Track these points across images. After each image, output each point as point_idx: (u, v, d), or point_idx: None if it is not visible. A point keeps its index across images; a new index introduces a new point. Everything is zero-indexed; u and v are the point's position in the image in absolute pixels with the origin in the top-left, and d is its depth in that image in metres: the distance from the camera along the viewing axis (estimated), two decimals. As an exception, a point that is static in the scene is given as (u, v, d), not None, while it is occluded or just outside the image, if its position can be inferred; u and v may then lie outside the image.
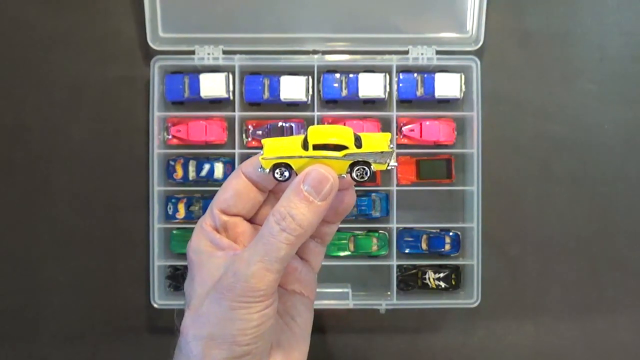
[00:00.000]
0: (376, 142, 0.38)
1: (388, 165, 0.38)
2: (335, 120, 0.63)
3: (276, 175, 0.38)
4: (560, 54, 0.65)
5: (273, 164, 0.37)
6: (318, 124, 0.62)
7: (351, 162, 0.37)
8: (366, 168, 0.38)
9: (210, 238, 0.40)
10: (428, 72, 0.63)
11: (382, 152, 0.37)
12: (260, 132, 0.63)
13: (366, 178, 0.38)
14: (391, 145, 0.38)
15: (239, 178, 0.40)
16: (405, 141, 0.63)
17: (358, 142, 0.37)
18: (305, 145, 0.37)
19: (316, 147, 0.37)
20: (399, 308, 0.61)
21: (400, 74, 0.63)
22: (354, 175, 0.38)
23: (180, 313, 0.39)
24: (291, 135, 0.62)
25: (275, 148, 0.38)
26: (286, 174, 0.38)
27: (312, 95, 0.62)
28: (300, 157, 0.37)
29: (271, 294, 0.37)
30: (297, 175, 0.37)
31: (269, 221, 0.36)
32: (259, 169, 0.38)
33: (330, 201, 0.37)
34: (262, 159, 0.37)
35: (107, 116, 0.64)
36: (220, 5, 0.62)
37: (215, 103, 0.63)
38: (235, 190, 0.40)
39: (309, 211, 0.36)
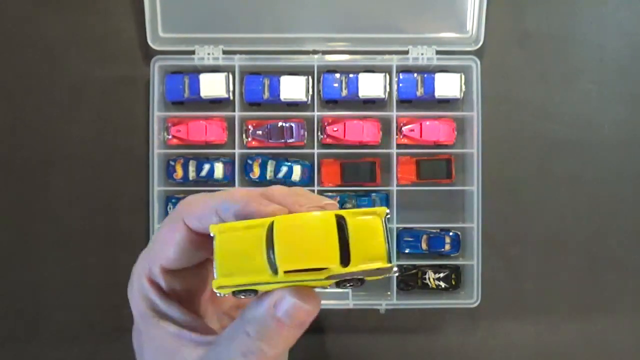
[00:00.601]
0: (369, 241, 0.28)
1: (387, 275, 0.28)
2: (335, 120, 0.63)
3: (240, 297, 0.29)
4: (560, 54, 0.65)
5: (232, 290, 0.28)
6: (318, 124, 0.62)
7: (337, 280, 0.28)
8: (360, 282, 0.28)
9: (155, 303, 0.32)
10: (428, 72, 0.63)
11: (377, 269, 0.28)
12: (260, 132, 0.63)
13: (359, 286, 0.29)
14: (390, 256, 0.28)
15: (182, 232, 0.31)
16: (405, 141, 0.63)
17: (345, 253, 0.27)
18: (273, 263, 0.27)
19: (289, 272, 0.27)
20: (399, 308, 0.61)
21: (400, 74, 0.63)
22: (342, 288, 0.29)
23: None
24: (291, 135, 0.62)
25: (232, 265, 0.28)
26: (252, 294, 0.29)
27: (312, 95, 0.62)
28: (268, 283, 0.27)
29: None
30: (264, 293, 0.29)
31: (233, 349, 0.29)
32: (216, 292, 0.28)
33: (307, 325, 0.29)
34: (217, 287, 0.28)
35: (107, 116, 0.64)
36: (220, 5, 0.62)
37: (215, 103, 0.63)
38: (180, 248, 0.31)
39: (282, 341, 0.29)
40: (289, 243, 0.27)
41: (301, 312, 0.29)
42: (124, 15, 0.63)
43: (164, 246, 0.32)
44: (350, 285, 0.29)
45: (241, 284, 0.28)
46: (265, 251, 0.27)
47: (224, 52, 0.62)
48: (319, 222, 0.27)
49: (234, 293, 0.28)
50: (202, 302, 0.35)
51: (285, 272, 0.27)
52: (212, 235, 0.28)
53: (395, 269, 0.28)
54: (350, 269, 0.27)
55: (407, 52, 0.62)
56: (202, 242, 0.31)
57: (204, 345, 0.31)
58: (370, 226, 0.28)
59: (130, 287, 0.33)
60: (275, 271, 0.27)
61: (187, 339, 0.31)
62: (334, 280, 0.28)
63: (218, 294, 0.28)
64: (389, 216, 0.29)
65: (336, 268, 0.27)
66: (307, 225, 0.27)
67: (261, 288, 0.28)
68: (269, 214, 0.28)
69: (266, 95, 0.63)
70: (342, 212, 0.28)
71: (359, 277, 0.28)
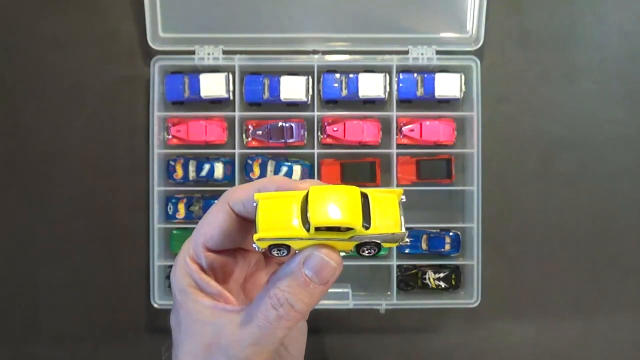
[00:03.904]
0: (387, 212, 0.33)
1: (399, 243, 0.34)
2: (335, 120, 0.63)
3: (273, 253, 0.33)
4: (560, 54, 0.65)
5: (269, 244, 0.33)
6: (318, 124, 0.62)
7: (358, 242, 0.33)
8: (376, 248, 0.34)
9: (195, 278, 0.36)
10: (428, 72, 0.63)
11: (393, 234, 0.33)
12: (260, 132, 0.63)
13: (375, 253, 0.34)
14: (403, 226, 0.33)
15: (226, 213, 0.36)
16: (405, 141, 0.63)
17: (366, 219, 0.32)
18: (305, 222, 0.32)
19: (319, 229, 0.32)
20: (399, 308, 0.61)
21: (400, 74, 0.63)
22: (361, 253, 0.34)
23: (169, 357, 0.38)
24: (291, 135, 0.62)
25: (271, 223, 0.32)
26: (284, 251, 0.33)
27: (312, 95, 0.62)
28: (301, 239, 0.32)
29: None
30: (296, 252, 0.34)
31: (265, 303, 0.33)
32: (253, 245, 0.33)
33: (331, 284, 0.34)
34: (258, 239, 0.32)
35: (107, 116, 0.64)
36: (220, 5, 0.62)
37: (215, 103, 0.63)
38: (222, 228, 0.36)
39: (308, 296, 0.33)
40: (321, 205, 0.32)
41: (326, 268, 0.33)
42: (124, 15, 0.63)
43: (209, 226, 0.36)
44: (368, 252, 0.34)
45: (277, 237, 0.32)
46: (300, 213, 0.32)
47: (224, 52, 0.62)
48: (346, 191, 0.32)
49: (270, 248, 0.33)
50: (234, 286, 0.38)
51: (316, 228, 0.32)
52: (255, 204, 0.33)
53: (407, 238, 0.33)
54: (371, 231, 0.32)
55: (407, 52, 0.62)
56: (243, 226, 0.36)
57: (239, 312, 0.35)
58: (388, 201, 0.33)
59: (173, 270, 0.37)
60: (307, 228, 0.32)
61: (222, 309, 0.35)
62: (356, 242, 0.33)
63: (256, 248, 0.33)
64: (403, 199, 0.34)
65: (359, 229, 0.32)
66: (337, 194, 0.32)
67: (294, 244, 0.33)
68: (304, 189, 0.33)
69: (266, 95, 0.63)
70: (364, 190, 0.33)
71: (377, 240, 0.33)
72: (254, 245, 0.33)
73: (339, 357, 0.64)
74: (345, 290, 0.61)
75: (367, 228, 0.32)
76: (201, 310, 0.35)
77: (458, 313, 0.64)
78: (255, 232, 0.32)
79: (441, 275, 0.63)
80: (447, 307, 0.63)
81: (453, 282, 0.63)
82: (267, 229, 0.32)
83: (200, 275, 0.36)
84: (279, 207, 0.33)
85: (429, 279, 0.63)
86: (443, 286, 0.63)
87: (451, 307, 0.63)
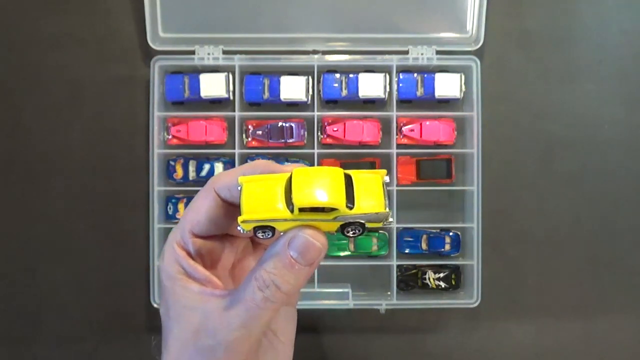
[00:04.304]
0: (370, 192, 0.33)
1: (384, 224, 0.33)
2: (335, 120, 0.63)
3: (258, 235, 0.33)
4: (560, 54, 0.65)
5: (254, 226, 0.33)
6: (318, 124, 0.62)
7: (342, 223, 0.33)
8: (360, 229, 0.33)
9: (183, 265, 0.36)
10: (428, 72, 0.63)
11: (377, 214, 0.32)
12: (260, 132, 0.63)
13: (359, 234, 0.34)
14: (387, 206, 0.33)
15: (212, 199, 0.36)
16: (405, 141, 0.63)
17: (350, 199, 0.32)
18: (289, 203, 0.32)
19: (303, 210, 0.32)
20: (399, 308, 0.61)
21: (400, 74, 0.63)
22: (346, 234, 0.34)
23: (158, 345, 0.38)
24: (291, 135, 0.62)
25: (255, 205, 0.32)
26: (269, 233, 0.33)
27: (312, 95, 0.62)
28: (285, 220, 0.32)
29: (254, 351, 0.35)
30: (281, 233, 0.34)
31: (251, 285, 0.33)
32: (238, 228, 0.33)
33: (316, 266, 0.34)
34: (242, 222, 0.32)
35: (107, 116, 0.64)
36: (220, 5, 0.62)
37: (215, 103, 0.63)
38: (209, 214, 0.36)
39: (294, 277, 0.33)
40: (305, 186, 0.32)
41: (312, 248, 0.33)
42: (124, 15, 0.63)
43: (196, 213, 0.36)
44: (353, 233, 0.33)
45: (261, 218, 0.32)
46: (284, 195, 0.32)
47: (224, 52, 0.62)
48: (329, 172, 0.32)
49: (255, 231, 0.33)
50: (222, 272, 0.39)
51: (300, 209, 0.32)
52: (239, 187, 0.33)
53: (391, 218, 0.33)
54: (354, 211, 0.32)
55: (407, 52, 0.62)
56: (230, 211, 0.36)
57: (226, 296, 0.35)
58: (372, 181, 0.33)
59: (162, 257, 0.37)
60: (291, 210, 0.32)
61: (210, 294, 0.35)
62: (340, 222, 0.33)
63: (241, 230, 0.33)
64: (387, 180, 0.34)
65: (342, 210, 0.32)
66: (320, 175, 0.32)
67: (278, 226, 0.33)
68: (288, 172, 0.33)
69: (266, 95, 0.63)
70: (349, 171, 0.33)
71: (361, 220, 0.32)
72: (238, 227, 0.33)
73: (339, 357, 0.64)
74: (345, 290, 0.61)
75: (350, 208, 0.32)
76: (189, 296, 0.36)
77: (458, 313, 0.64)
78: (240, 215, 0.32)
79: (441, 275, 0.63)
80: (447, 307, 0.63)
81: (453, 282, 0.63)
82: (251, 211, 0.32)
83: (188, 262, 0.36)
84: (263, 189, 0.33)
85: (429, 279, 0.63)
86: (443, 286, 0.63)
87: (451, 307, 0.63)
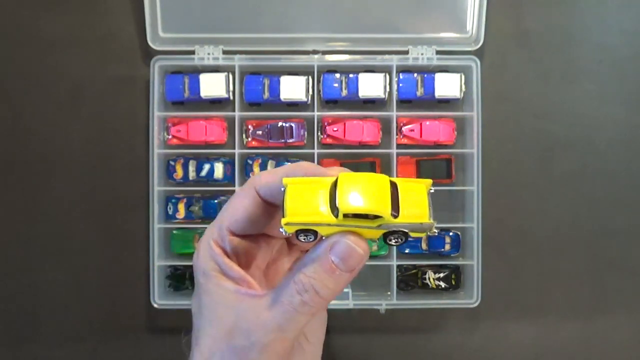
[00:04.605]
0: (415, 202, 0.33)
1: (427, 234, 0.33)
2: (335, 120, 0.63)
3: (301, 238, 0.33)
4: (560, 54, 0.65)
5: (297, 229, 0.33)
6: (318, 124, 0.62)
7: (385, 231, 0.33)
8: (403, 237, 0.33)
9: (218, 262, 0.36)
10: (428, 72, 0.63)
11: (421, 224, 0.32)
12: (260, 132, 0.63)
13: (402, 242, 0.34)
14: (432, 216, 0.33)
15: (252, 198, 0.35)
16: (405, 141, 0.63)
17: (395, 208, 0.32)
18: (334, 208, 0.32)
19: (347, 215, 0.32)
20: (399, 308, 0.62)
21: (400, 74, 0.63)
22: (388, 242, 0.33)
23: (188, 341, 0.38)
24: (291, 135, 0.62)
25: (299, 207, 0.32)
26: (312, 237, 0.33)
27: (312, 95, 0.62)
28: (329, 224, 0.32)
29: (287, 354, 0.35)
30: (323, 238, 0.33)
31: (289, 288, 0.33)
32: (280, 229, 0.33)
33: (357, 272, 0.33)
34: (286, 224, 0.32)
35: (107, 116, 0.64)
36: (220, 5, 0.62)
37: (215, 103, 0.63)
38: (248, 212, 0.35)
39: (334, 283, 0.33)
40: (350, 192, 0.31)
41: (353, 255, 0.32)
42: (124, 15, 0.63)
43: (235, 210, 0.36)
44: (395, 241, 0.33)
45: (305, 222, 0.32)
46: (329, 199, 0.32)
47: (224, 52, 0.62)
48: (375, 179, 0.32)
49: (297, 233, 0.33)
50: (256, 271, 0.38)
51: (344, 215, 0.31)
52: (283, 188, 0.33)
53: (435, 229, 0.33)
54: (399, 220, 0.32)
55: (407, 52, 0.62)
56: (268, 211, 0.35)
57: (262, 297, 0.35)
58: (417, 190, 0.33)
59: (197, 254, 0.37)
60: (336, 214, 0.31)
61: (245, 294, 0.35)
62: (384, 231, 0.32)
63: (283, 232, 0.32)
64: (432, 190, 0.34)
65: (387, 217, 0.31)
66: (366, 181, 0.32)
67: (321, 230, 0.33)
68: (333, 176, 0.33)
69: (266, 95, 0.63)
70: (394, 179, 0.33)
71: (405, 229, 0.32)
72: (281, 229, 0.32)
73: (339, 357, 0.64)
74: (345, 290, 0.61)
75: (395, 217, 0.32)
76: (224, 294, 0.35)
77: (458, 313, 0.64)
78: (283, 217, 0.32)
79: (441, 275, 0.63)
80: (447, 307, 0.63)
81: (453, 282, 0.63)
82: (295, 214, 0.32)
83: (224, 259, 0.36)
84: (307, 192, 0.32)
85: (429, 279, 0.63)
86: (443, 286, 0.63)
87: (451, 307, 0.63)
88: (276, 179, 0.34)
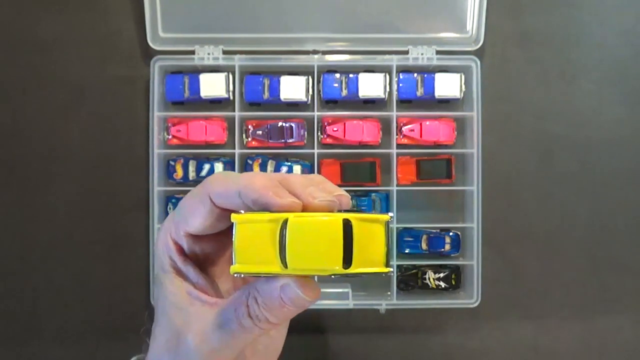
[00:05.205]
0: (371, 247, 0.31)
1: (383, 275, 0.32)
2: (335, 120, 0.63)
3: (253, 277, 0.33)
4: (560, 54, 0.65)
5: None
6: (318, 124, 0.62)
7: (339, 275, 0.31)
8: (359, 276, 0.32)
9: (174, 259, 0.35)
10: (428, 72, 0.63)
11: (374, 273, 0.31)
12: (260, 132, 0.63)
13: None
14: (388, 262, 0.32)
15: (206, 205, 0.34)
16: (405, 141, 0.63)
17: (348, 258, 0.30)
18: (284, 256, 0.31)
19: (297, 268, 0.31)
20: (399, 308, 0.62)
21: (400, 74, 0.63)
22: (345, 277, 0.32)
23: (147, 331, 0.38)
24: (291, 135, 0.62)
25: (248, 254, 0.31)
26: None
27: (312, 95, 0.62)
28: (278, 274, 0.31)
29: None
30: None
31: (241, 311, 0.33)
32: (233, 274, 0.32)
33: (308, 306, 0.33)
34: (235, 273, 0.31)
35: (107, 116, 0.64)
36: (220, 5, 0.62)
37: (215, 103, 0.63)
38: (203, 217, 0.34)
39: (284, 314, 0.33)
40: (299, 245, 0.30)
41: (302, 301, 0.32)
42: (124, 15, 0.63)
43: (190, 216, 0.35)
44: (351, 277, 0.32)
45: (255, 272, 0.32)
46: (279, 247, 0.31)
47: (224, 52, 0.62)
48: (327, 227, 0.30)
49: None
50: (219, 264, 0.38)
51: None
52: (233, 223, 0.32)
53: (391, 272, 0.32)
54: (351, 270, 0.31)
55: (407, 52, 0.62)
56: (225, 215, 0.34)
57: (212, 305, 0.34)
58: (374, 233, 0.31)
59: (157, 243, 0.36)
60: (285, 266, 0.31)
61: (197, 298, 0.35)
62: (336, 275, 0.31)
63: (235, 275, 0.32)
64: (391, 219, 0.32)
65: (339, 270, 0.30)
66: (317, 230, 0.30)
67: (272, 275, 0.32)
68: (284, 207, 0.31)
69: (266, 95, 0.63)
70: (349, 216, 0.31)
71: (358, 276, 0.31)
72: (232, 274, 0.32)
73: (339, 357, 0.64)
74: (345, 290, 0.61)
75: (347, 268, 0.30)
76: (177, 293, 0.35)
77: (458, 313, 0.64)
78: (233, 264, 0.31)
79: (441, 275, 0.63)
80: (447, 307, 0.63)
81: (453, 282, 0.63)
82: (244, 261, 0.31)
83: (180, 257, 0.35)
84: (257, 234, 0.31)
85: (429, 279, 0.63)
86: (443, 286, 0.63)
87: (451, 307, 0.63)
88: (230, 191, 0.33)
